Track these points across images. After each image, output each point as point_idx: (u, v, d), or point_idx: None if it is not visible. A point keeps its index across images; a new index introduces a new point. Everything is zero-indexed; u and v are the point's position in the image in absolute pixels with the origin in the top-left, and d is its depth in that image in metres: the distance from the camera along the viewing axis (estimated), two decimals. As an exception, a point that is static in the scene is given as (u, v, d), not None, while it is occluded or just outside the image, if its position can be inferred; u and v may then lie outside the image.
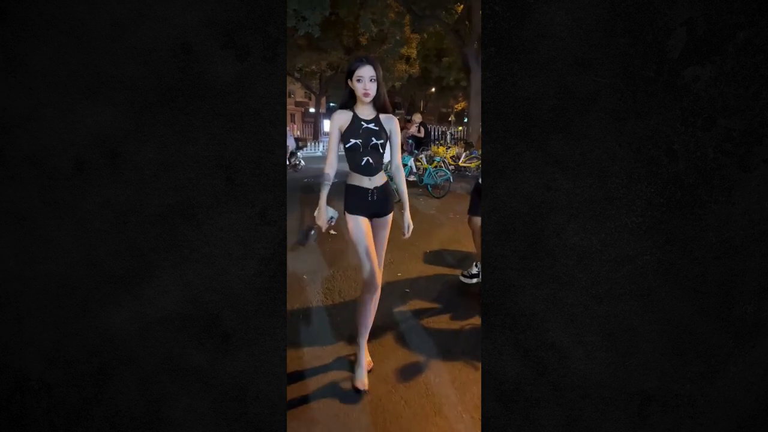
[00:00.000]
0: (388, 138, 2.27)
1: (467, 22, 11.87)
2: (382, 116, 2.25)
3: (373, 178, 2.25)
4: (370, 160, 2.22)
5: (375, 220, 2.31)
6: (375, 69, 2.19)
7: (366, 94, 2.18)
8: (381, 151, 2.25)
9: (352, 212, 2.25)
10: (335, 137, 2.25)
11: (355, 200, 2.26)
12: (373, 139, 2.19)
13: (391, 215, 2.36)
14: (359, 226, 2.24)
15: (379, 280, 2.24)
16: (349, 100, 2.25)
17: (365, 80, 2.16)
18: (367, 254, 2.21)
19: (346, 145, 2.21)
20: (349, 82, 2.21)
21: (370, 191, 2.25)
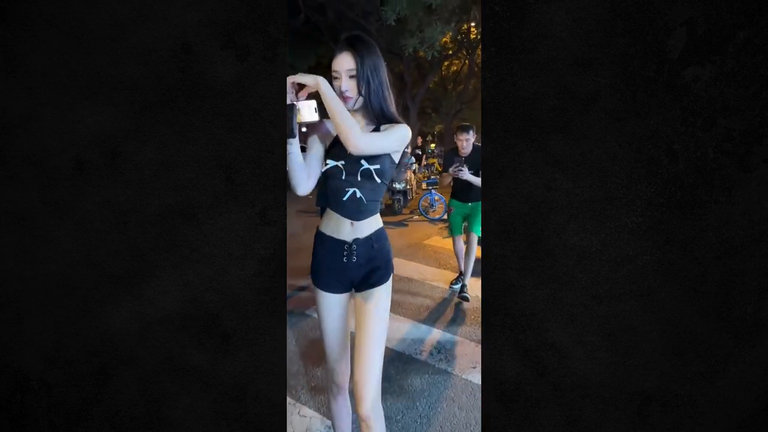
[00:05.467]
0: (389, 158, 1.46)
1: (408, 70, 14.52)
2: (383, 128, 1.45)
3: (358, 225, 1.44)
4: (358, 194, 1.42)
5: (358, 294, 1.46)
6: (356, 56, 1.39)
7: (346, 98, 1.41)
8: (377, 179, 1.41)
9: (318, 285, 1.48)
10: (315, 150, 1.47)
11: (323, 260, 1.46)
12: (362, 161, 1.40)
13: (383, 288, 1.45)
14: (327, 309, 1.48)
15: (354, 385, 1.44)
16: None
17: (342, 76, 1.40)
18: (332, 351, 1.52)
19: (323, 169, 1.45)
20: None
21: (346, 246, 1.43)
